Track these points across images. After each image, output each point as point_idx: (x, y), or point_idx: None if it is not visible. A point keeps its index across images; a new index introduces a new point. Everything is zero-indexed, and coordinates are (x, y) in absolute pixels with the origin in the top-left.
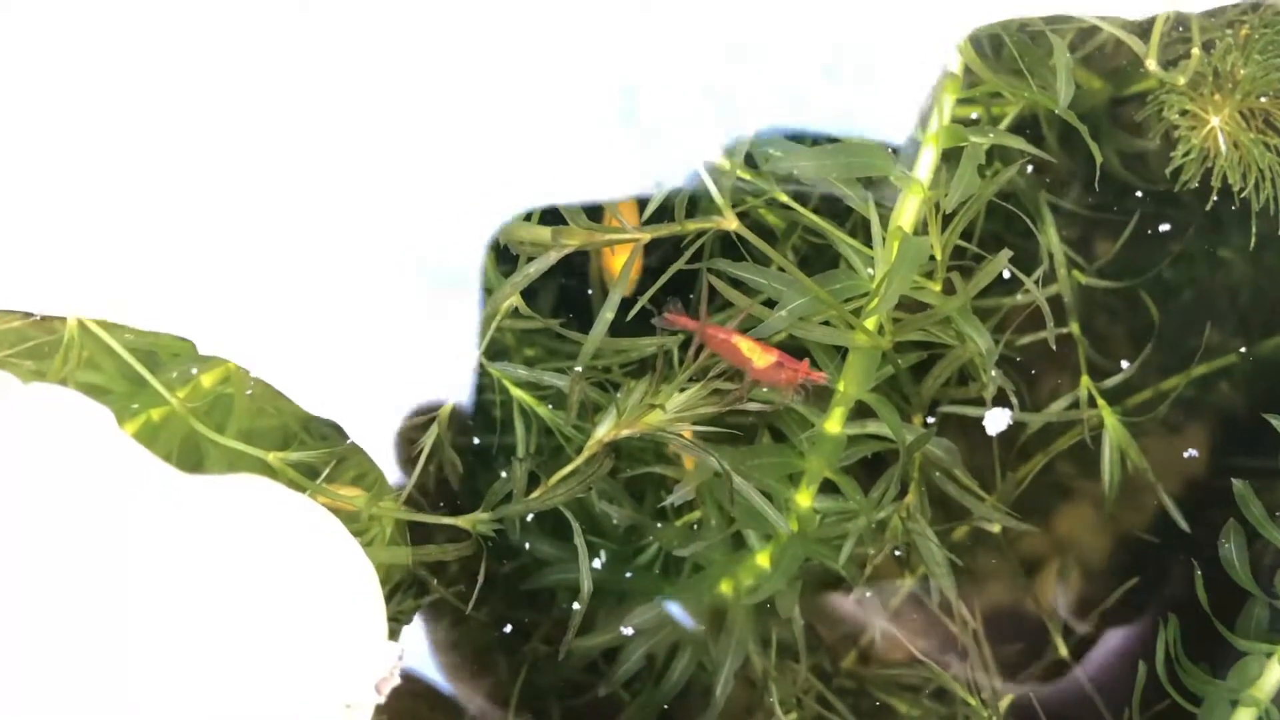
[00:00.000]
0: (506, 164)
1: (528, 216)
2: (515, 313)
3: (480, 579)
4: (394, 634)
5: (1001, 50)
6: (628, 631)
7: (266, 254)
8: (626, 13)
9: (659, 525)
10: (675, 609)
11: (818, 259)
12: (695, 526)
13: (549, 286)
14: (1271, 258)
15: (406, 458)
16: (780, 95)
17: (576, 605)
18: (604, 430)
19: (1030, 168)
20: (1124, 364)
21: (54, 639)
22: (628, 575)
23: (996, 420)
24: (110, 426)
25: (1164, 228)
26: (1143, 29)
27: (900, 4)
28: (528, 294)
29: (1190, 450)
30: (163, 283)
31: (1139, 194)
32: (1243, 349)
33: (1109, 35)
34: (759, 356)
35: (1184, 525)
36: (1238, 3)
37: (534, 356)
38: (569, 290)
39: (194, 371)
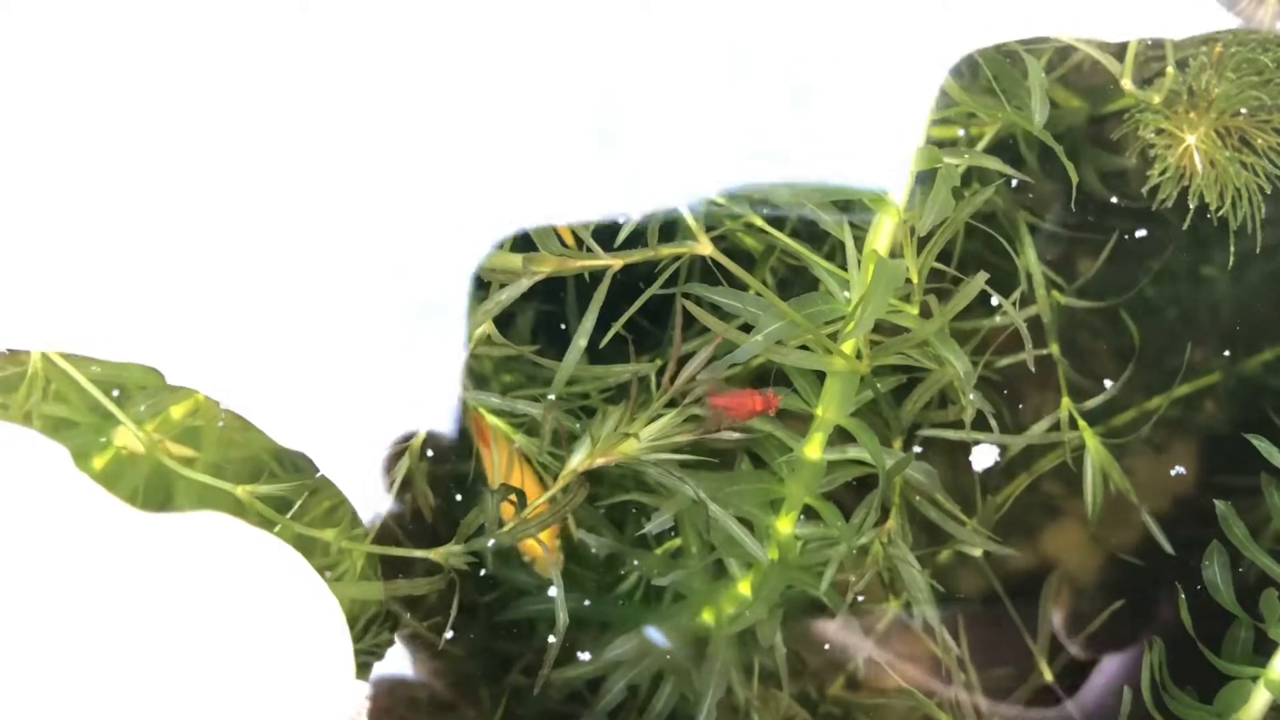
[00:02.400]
0: (487, 189)
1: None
2: (489, 340)
3: (452, 613)
4: (367, 668)
5: (979, 70)
6: (584, 655)
7: (240, 281)
8: (605, 37)
9: (639, 553)
10: (657, 638)
11: (797, 281)
12: (676, 554)
13: (526, 310)
14: (1253, 275)
15: (388, 487)
16: (755, 123)
17: (552, 639)
18: (578, 459)
19: (1014, 183)
20: (1107, 383)
21: (11, 681)
22: (609, 604)
23: (983, 456)
24: (67, 465)
25: (1144, 245)
26: (1119, 48)
27: (878, 30)
28: (506, 319)
29: (1178, 468)
30: (131, 311)
31: (1119, 211)
32: (1226, 366)
33: (1087, 53)
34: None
35: (1168, 548)
36: (1216, 29)
37: (513, 382)
38: (547, 314)
39: (163, 404)
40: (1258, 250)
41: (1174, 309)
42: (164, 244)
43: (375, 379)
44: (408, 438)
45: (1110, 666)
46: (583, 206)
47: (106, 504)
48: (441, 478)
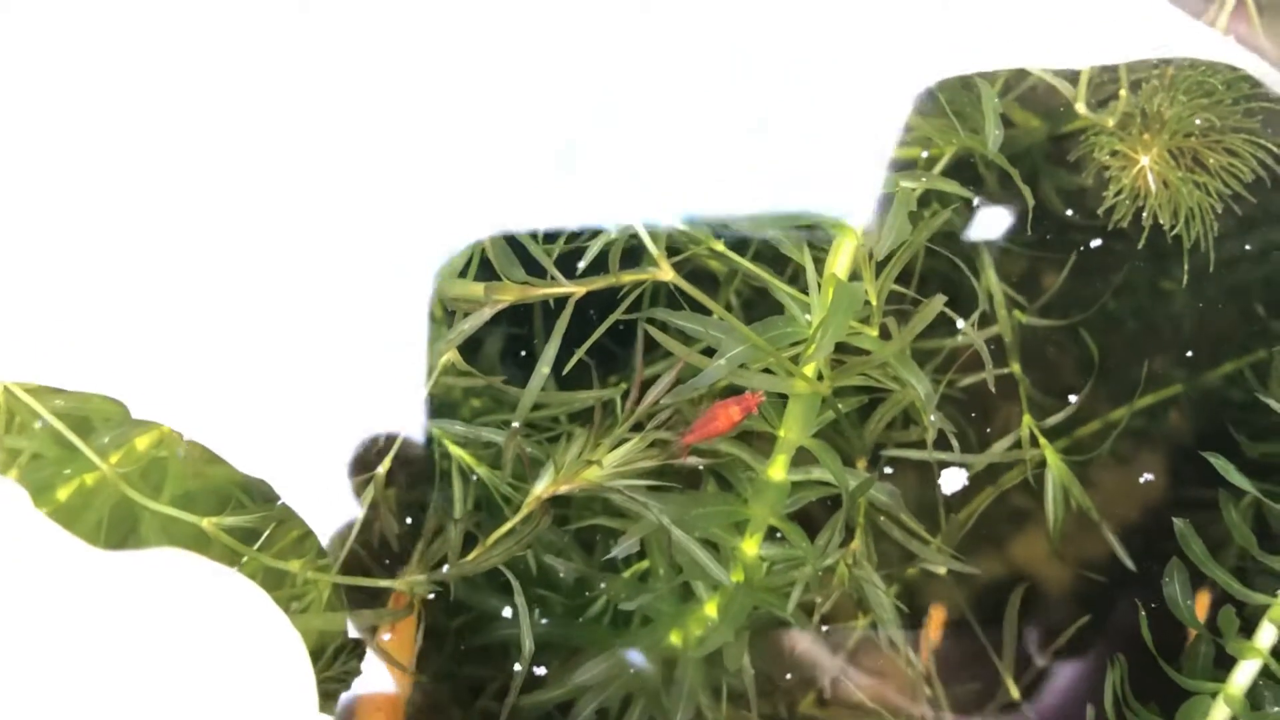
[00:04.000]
0: (447, 211)
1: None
2: (454, 368)
3: (418, 642)
4: (333, 698)
5: (936, 94)
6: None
7: (199, 309)
8: (571, 57)
9: (607, 576)
10: (629, 659)
11: (761, 302)
12: (645, 576)
13: (494, 333)
14: (1211, 288)
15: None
16: (717, 151)
17: (518, 666)
18: (541, 487)
19: (976, 199)
20: (1071, 398)
21: None
22: (578, 627)
23: (952, 480)
24: (25, 506)
25: (1106, 261)
26: (1074, 73)
27: (839, 60)
28: (474, 343)
29: (1146, 475)
30: (94, 343)
31: (1078, 227)
32: (1186, 378)
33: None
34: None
35: (1130, 564)
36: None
37: (480, 407)
38: (516, 336)
39: (127, 435)
40: (1210, 269)
41: (1134, 321)
42: (126, 275)
43: (338, 406)
44: (373, 464)
45: (1068, 673)
46: (544, 221)
47: (67, 543)
48: (412, 503)
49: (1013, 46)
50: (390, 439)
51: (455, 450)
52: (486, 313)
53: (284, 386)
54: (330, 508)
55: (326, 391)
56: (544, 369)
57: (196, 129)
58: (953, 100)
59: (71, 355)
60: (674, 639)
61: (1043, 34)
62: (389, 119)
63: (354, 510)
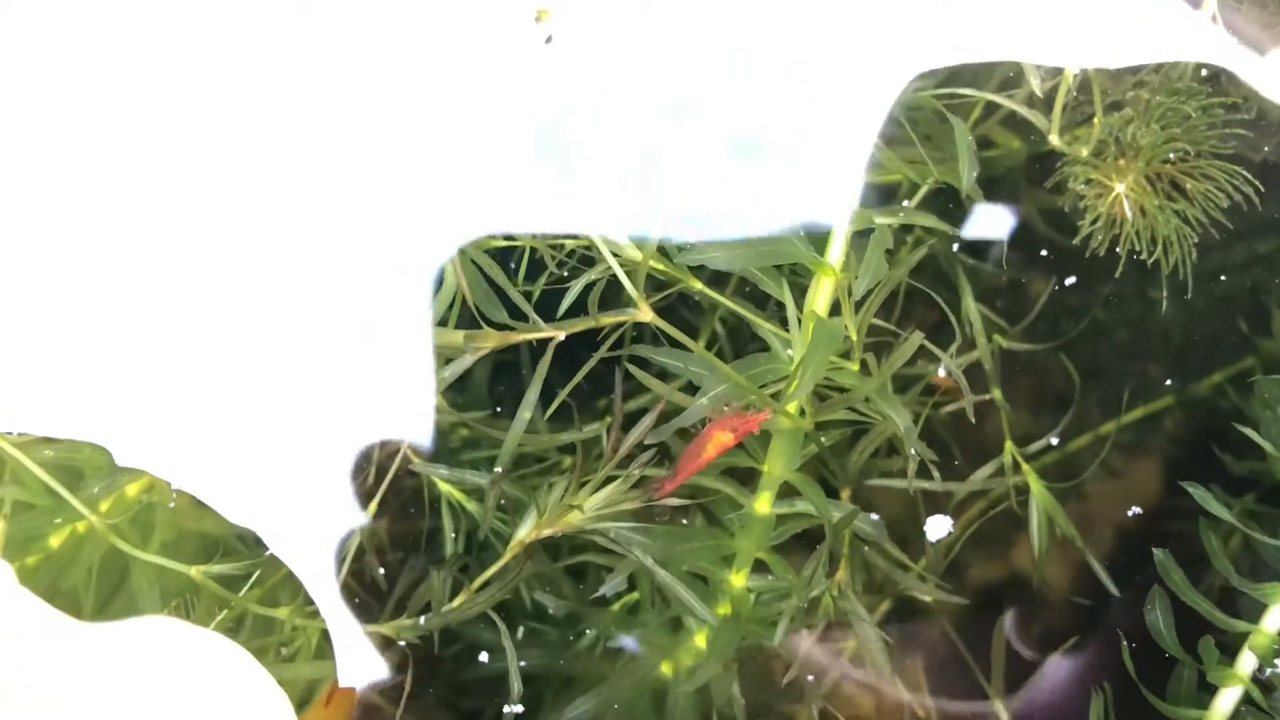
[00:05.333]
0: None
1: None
2: (438, 410)
3: (407, 686)
4: None
5: (917, 121)
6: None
7: (188, 359)
8: (569, 57)
9: (597, 611)
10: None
11: (746, 329)
12: (634, 608)
13: (483, 361)
14: (1197, 300)
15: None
16: (697, 166)
17: (507, 709)
18: (524, 531)
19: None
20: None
21: None
22: (570, 658)
23: (937, 527)
24: (9, 582)
25: (1081, 278)
26: (1049, 96)
27: (826, 75)
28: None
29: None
30: (80, 391)
31: (1056, 250)
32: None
33: (1026, 92)
34: (721, 438)
35: (1113, 589)
36: (1143, 65)
37: (470, 436)
38: (502, 365)
39: (116, 484)
40: (1189, 294)
41: (1124, 331)
42: (113, 326)
43: (325, 452)
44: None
45: (1056, 672)
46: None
47: (50, 618)
48: (401, 534)
49: (1006, 43)
50: (382, 472)
51: (444, 487)
52: (468, 359)
53: (271, 434)
54: (316, 555)
55: (313, 436)
56: (525, 413)
57: (193, 153)
58: (929, 135)
59: (57, 400)
60: (665, 669)
61: (1037, 31)
62: (387, 120)
63: (339, 560)
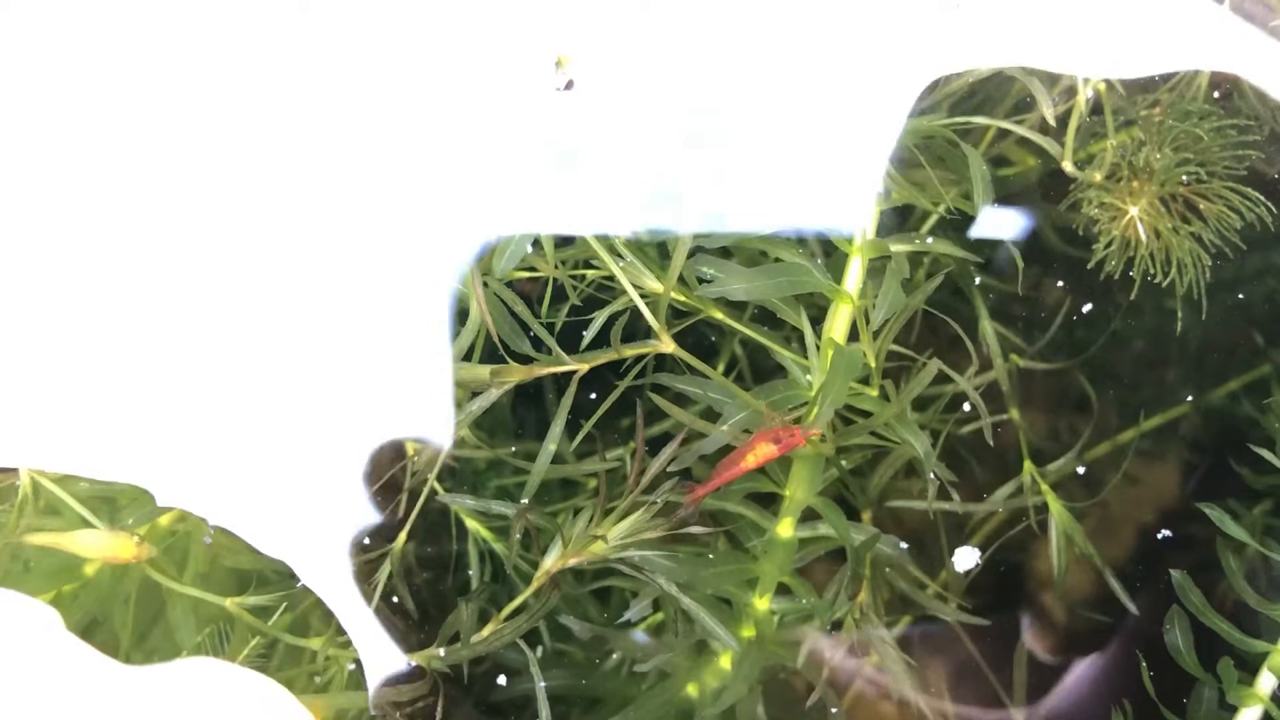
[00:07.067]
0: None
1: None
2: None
3: (438, 716)
4: None
5: (931, 144)
6: None
7: (219, 394)
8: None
9: (622, 635)
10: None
11: (767, 353)
12: (659, 629)
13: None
14: (1216, 309)
15: (368, 591)
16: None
17: None
18: (550, 562)
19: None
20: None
21: None
22: (596, 679)
23: (965, 559)
24: (56, 628)
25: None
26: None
27: (840, 94)
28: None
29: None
30: (118, 433)
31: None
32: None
33: (1039, 115)
34: (761, 452)
35: (1132, 608)
36: (1156, 83)
37: (495, 459)
38: (524, 391)
39: (152, 515)
40: (1203, 315)
41: (1142, 341)
42: (145, 369)
43: (351, 479)
44: (390, 537)
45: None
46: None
47: (97, 662)
48: (434, 558)
49: (1020, 53)
50: (413, 497)
51: (471, 524)
52: (494, 394)
53: (298, 464)
54: (346, 584)
55: (339, 466)
56: (551, 445)
57: (216, 188)
58: (942, 158)
59: (96, 445)
60: (690, 690)
61: (1050, 41)
62: (407, 144)
63: (369, 585)
